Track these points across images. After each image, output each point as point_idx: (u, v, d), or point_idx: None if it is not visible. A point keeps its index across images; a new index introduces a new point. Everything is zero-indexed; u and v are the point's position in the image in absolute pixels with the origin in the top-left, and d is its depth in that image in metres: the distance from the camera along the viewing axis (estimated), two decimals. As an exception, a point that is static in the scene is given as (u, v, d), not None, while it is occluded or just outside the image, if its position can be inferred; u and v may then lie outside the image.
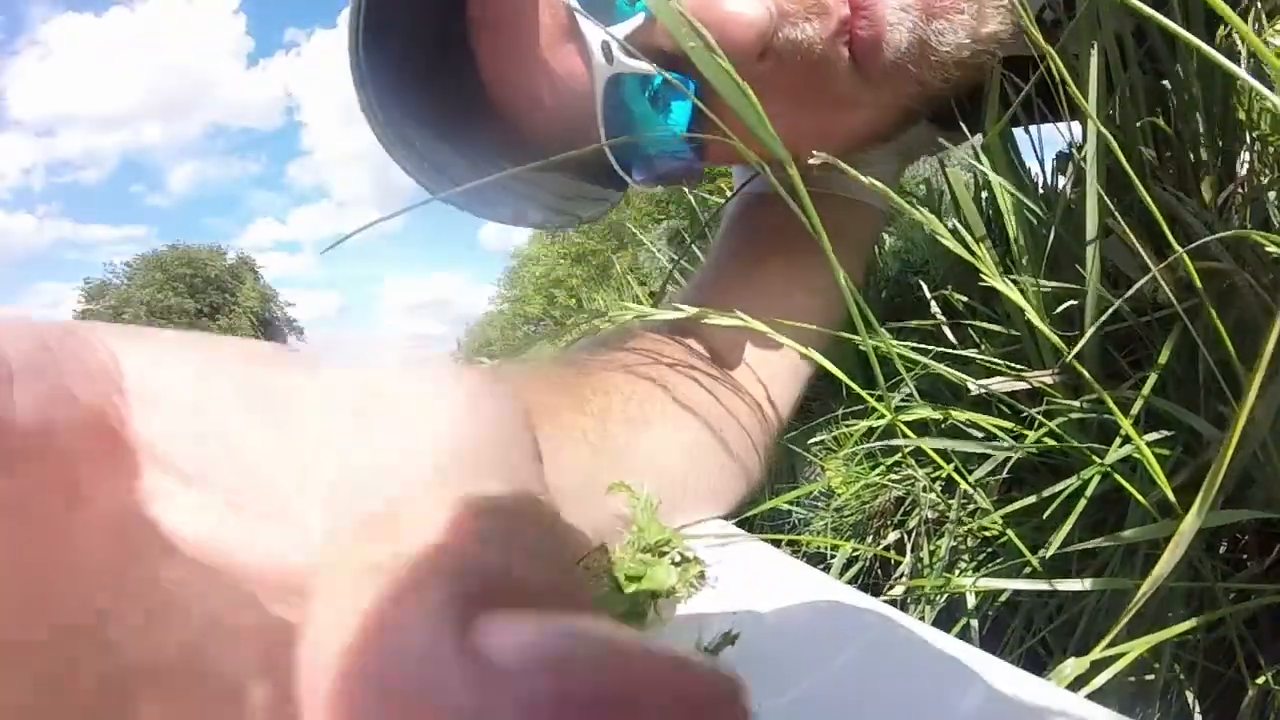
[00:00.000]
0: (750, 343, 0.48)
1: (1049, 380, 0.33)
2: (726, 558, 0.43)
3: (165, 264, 40.72)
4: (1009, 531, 0.31)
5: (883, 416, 0.36)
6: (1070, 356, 0.29)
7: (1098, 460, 0.29)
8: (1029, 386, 0.32)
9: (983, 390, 0.33)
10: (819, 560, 0.67)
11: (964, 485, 0.33)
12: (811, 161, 0.31)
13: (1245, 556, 0.38)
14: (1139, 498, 0.28)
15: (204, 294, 41.48)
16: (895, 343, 0.36)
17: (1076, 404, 0.31)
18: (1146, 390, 0.29)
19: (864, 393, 0.34)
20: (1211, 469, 0.20)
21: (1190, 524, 0.21)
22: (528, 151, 0.39)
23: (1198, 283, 0.26)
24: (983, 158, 0.39)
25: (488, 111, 0.42)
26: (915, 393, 0.37)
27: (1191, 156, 0.35)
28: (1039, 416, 0.31)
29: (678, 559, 0.35)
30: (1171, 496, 0.26)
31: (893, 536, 0.55)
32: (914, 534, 0.54)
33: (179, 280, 40.42)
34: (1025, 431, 0.32)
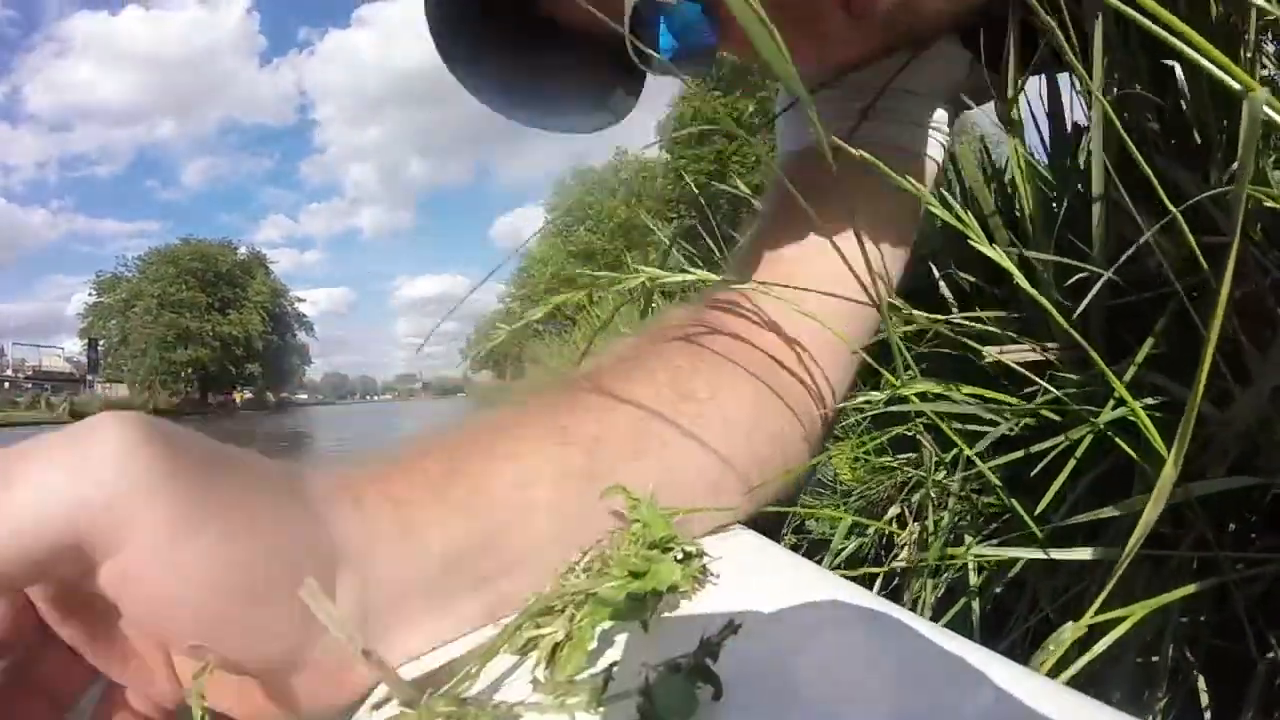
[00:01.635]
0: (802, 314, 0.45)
1: (1054, 351, 0.33)
2: (727, 552, 0.42)
3: (177, 258, 40.95)
4: (1012, 500, 0.31)
5: (888, 388, 0.36)
6: (1061, 321, 0.29)
7: (1091, 420, 0.29)
8: (1036, 357, 0.32)
9: (992, 358, 0.33)
10: (823, 546, 0.67)
11: (967, 453, 0.33)
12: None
13: (1255, 536, 0.38)
14: (1132, 454, 0.28)
15: (215, 288, 41.72)
16: (908, 309, 0.37)
17: (1079, 376, 0.31)
18: (1140, 357, 0.29)
19: (872, 362, 0.34)
20: (1185, 414, 0.20)
21: (1169, 473, 0.21)
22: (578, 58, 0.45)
23: (1196, 247, 0.26)
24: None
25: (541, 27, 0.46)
26: (916, 371, 0.37)
27: (1198, 137, 0.35)
28: (1043, 383, 0.31)
29: (681, 555, 0.35)
30: (1164, 450, 0.26)
31: (894, 511, 0.55)
32: (917, 508, 0.54)
33: (190, 274, 40.65)
34: (1027, 405, 0.32)
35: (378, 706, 0.28)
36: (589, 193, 26.72)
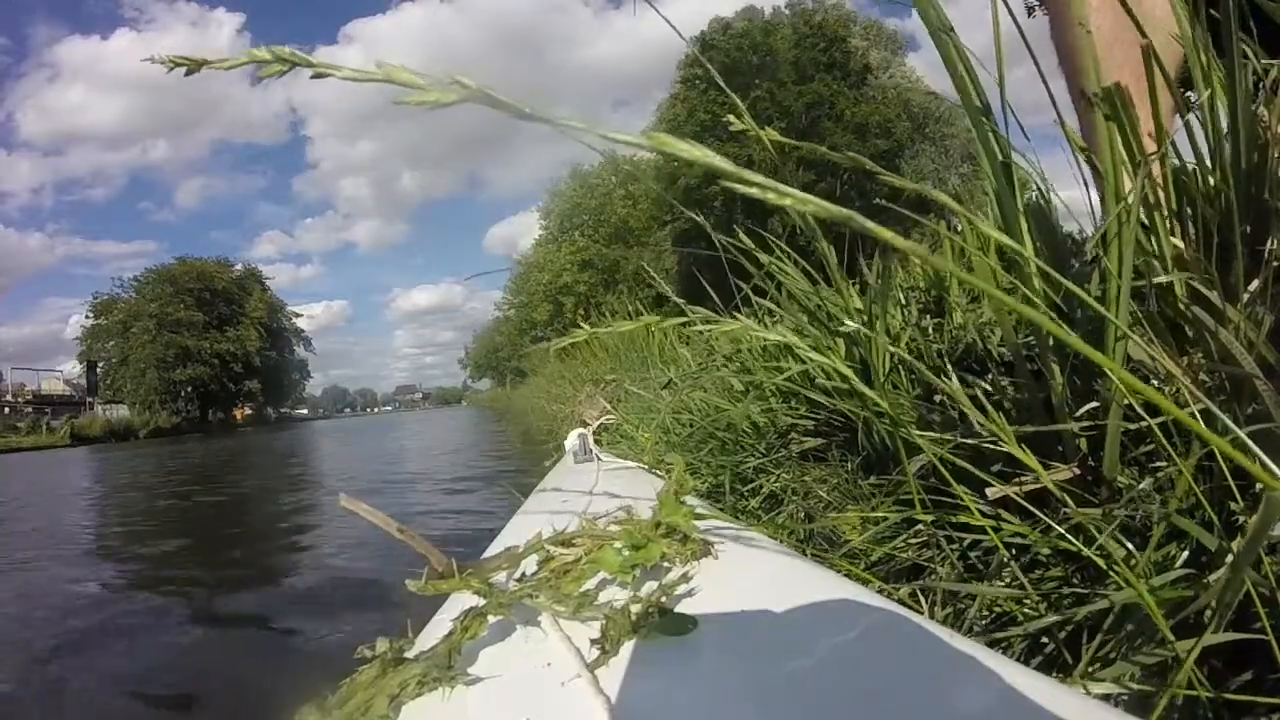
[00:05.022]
0: None
1: (1058, 473, 0.33)
2: (735, 550, 0.46)
3: (174, 277, 40.93)
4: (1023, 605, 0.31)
5: (898, 492, 0.35)
6: (1016, 458, 0.28)
7: (1107, 597, 0.29)
8: (1037, 487, 0.32)
9: (997, 494, 0.32)
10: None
11: (982, 594, 0.32)
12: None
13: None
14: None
15: (213, 306, 41.68)
16: (918, 433, 0.36)
17: (1098, 510, 0.30)
18: (1158, 525, 0.28)
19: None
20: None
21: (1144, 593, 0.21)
22: None
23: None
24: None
25: None
26: (913, 488, 0.36)
27: (1217, 238, 0.34)
28: (1052, 522, 0.31)
29: (681, 538, 0.44)
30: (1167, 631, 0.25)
31: (906, 590, 0.55)
32: (929, 596, 0.53)
33: (187, 293, 40.62)
34: (1034, 536, 0.32)
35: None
36: (586, 196, 26.68)
